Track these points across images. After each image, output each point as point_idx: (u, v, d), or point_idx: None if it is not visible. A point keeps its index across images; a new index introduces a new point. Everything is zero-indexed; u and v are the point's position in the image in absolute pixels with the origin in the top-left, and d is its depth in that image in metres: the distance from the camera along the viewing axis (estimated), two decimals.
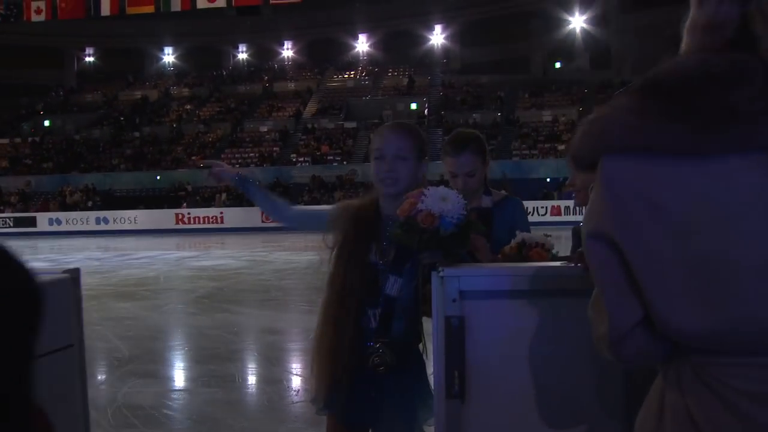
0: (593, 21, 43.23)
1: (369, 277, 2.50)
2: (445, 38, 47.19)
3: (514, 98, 39.60)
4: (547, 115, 36.85)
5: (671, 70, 1.30)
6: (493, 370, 2.05)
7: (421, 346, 2.64)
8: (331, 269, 2.56)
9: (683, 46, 1.42)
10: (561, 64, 46.05)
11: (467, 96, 40.15)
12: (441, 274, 2.04)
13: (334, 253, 2.57)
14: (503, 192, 3.20)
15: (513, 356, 2.05)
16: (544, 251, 2.42)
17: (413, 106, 39.32)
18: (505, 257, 2.47)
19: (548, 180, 31.23)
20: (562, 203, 27.49)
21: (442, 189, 2.16)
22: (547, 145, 34.21)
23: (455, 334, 2.03)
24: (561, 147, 33.54)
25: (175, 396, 5.72)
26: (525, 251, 2.43)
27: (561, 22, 44.40)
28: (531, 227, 3.03)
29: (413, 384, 2.57)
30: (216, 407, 5.29)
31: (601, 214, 1.32)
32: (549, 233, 2.56)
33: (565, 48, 45.46)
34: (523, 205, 3.20)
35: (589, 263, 1.36)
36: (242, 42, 48.83)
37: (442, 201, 2.12)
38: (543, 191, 29.23)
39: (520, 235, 2.50)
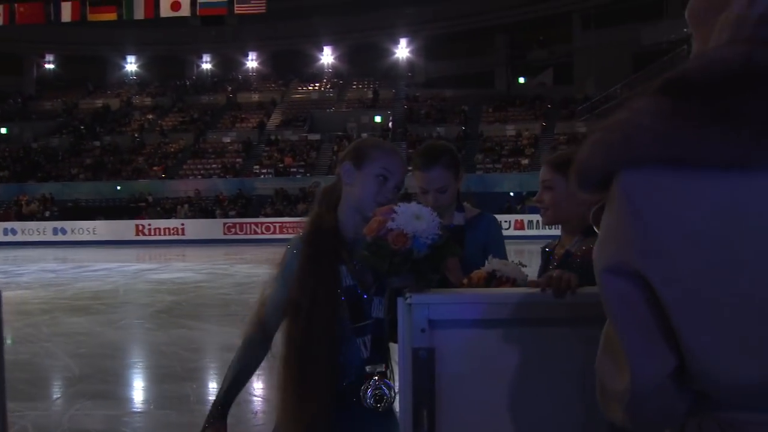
0: (558, 37, 43.62)
1: (352, 302, 2.26)
2: (410, 52, 47.22)
3: (477, 112, 39.74)
4: (510, 130, 37.02)
5: (704, 66, 1.06)
6: (465, 407, 1.88)
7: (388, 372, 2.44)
8: (293, 297, 2.24)
9: (698, 48, 1.20)
10: (525, 80, 46.38)
11: (431, 110, 40.19)
12: (408, 300, 1.86)
13: (294, 280, 2.26)
14: (476, 209, 3.02)
15: (488, 392, 1.88)
16: (513, 289, 2.25)
17: (377, 119, 39.24)
18: (471, 285, 2.29)
19: (511, 194, 31.32)
20: (525, 217, 27.56)
21: (414, 206, 1.95)
22: (510, 159, 34.35)
23: (424, 368, 1.85)
24: (524, 161, 33.73)
25: (126, 419, 5.46)
26: (494, 284, 2.26)
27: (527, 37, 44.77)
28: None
29: (383, 421, 2.34)
30: (170, 430, 5.06)
31: (623, 242, 1.08)
32: (524, 263, 2.39)
33: (530, 64, 45.84)
34: (498, 223, 3.02)
35: (606, 303, 1.12)
36: (206, 52, 48.33)
37: (416, 219, 1.91)
38: (506, 205, 29.28)
39: (491, 263, 2.32)
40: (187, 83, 46.62)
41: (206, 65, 49.01)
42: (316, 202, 2.40)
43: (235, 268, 18.35)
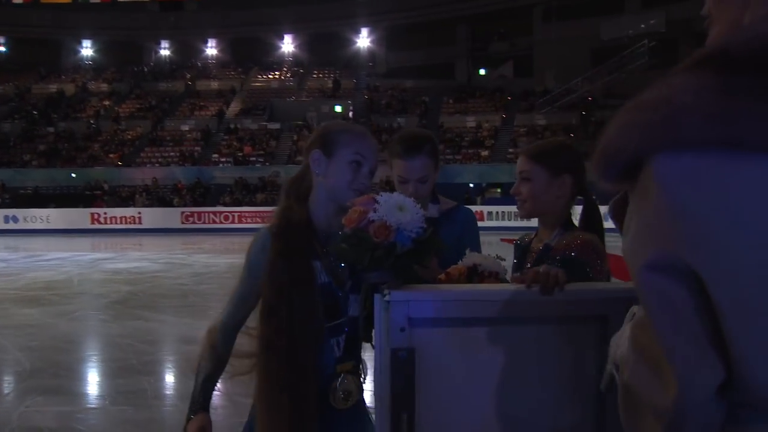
0: (519, 30, 43.78)
1: (327, 301, 2.12)
2: (371, 42, 46.99)
3: (438, 103, 39.72)
4: (470, 121, 37.07)
5: (750, 40, 0.93)
6: (447, 411, 1.77)
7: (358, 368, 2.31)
8: (266, 300, 2.08)
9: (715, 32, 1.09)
10: (485, 71, 46.48)
11: (392, 100, 40.08)
12: (386, 297, 1.74)
13: (265, 278, 2.09)
14: (452, 201, 2.90)
15: (471, 395, 1.77)
16: (497, 283, 2.14)
17: (338, 108, 38.99)
18: (449, 280, 2.17)
19: (471, 185, 31.40)
20: (485, 208, 27.60)
21: (397, 196, 1.81)
22: (470, 151, 34.40)
23: (403, 370, 1.73)
24: (484, 153, 33.83)
25: (80, 416, 5.25)
26: (476, 279, 2.14)
27: (488, 29, 44.87)
28: None
29: (357, 426, 2.22)
30: (126, 427, 4.88)
31: (667, 235, 0.95)
32: (502, 257, 2.28)
33: (490, 56, 45.95)
34: (474, 216, 2.90)
35: (647, 304, 0.98)
36: (164, 38, 47.45)
37: (399, 211, 1.76)
38: (465, 196, 29.32)
39: (470, 257, 2.20)
40: (145, 69, 45.76)
41: (164, 51, 48.18)
42: (284, 193, 2.25)
43: (193, 257, 18.05)
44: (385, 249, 1.74)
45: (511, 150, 34.07)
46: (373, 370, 2.67)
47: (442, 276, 2.17)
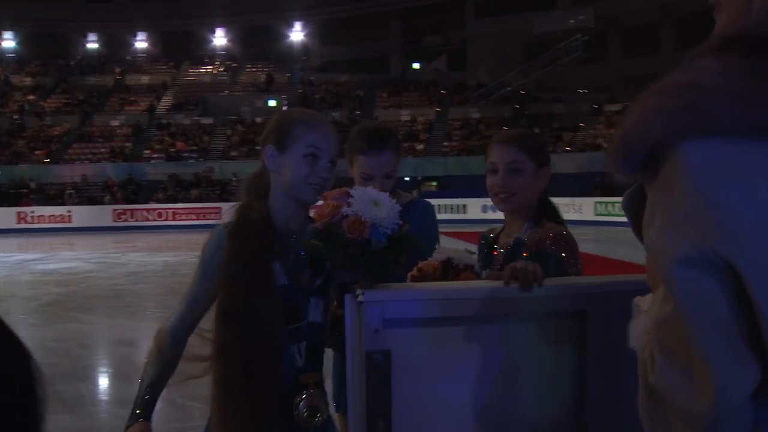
0: (452, 24, 44.09)
1: (287, 305, 2.00)
2: (304, 35, 46.65)
3: (372, 97, 39.69)
4: (405, 115, 37.14)
5: None
6: (425, 414, 1.69)
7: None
8: (222, 302, 1.97)
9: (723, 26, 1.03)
10: (419, 65, 46.65)
11: (326, 94, 39.87)
12: (360, 298, 1.65)
13: (221, 280, 1.98)
14: (411, 194, 2.83)
15: (450, 396, 1.70)
16: (474, 276, 2.07)
17: (272, 103, 38.57)
18: (423, 276, 2.08)
19: (406, 179, 31.46)
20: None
21: (371, 190, 1.71)
22: (405, 144, 34.42)
23: (379, 373, 1.64)
24: (419, 146, 33.94)
25: None
26: (451, 273, 2.06)
27: (421, 23, 45.06)
28: None
29: None
30: None
31: (700, 228, 0.88)
32: (472, 250, 2.22)
33: (424, 49, 46.16)
34: (432, 208, 2.83)
35: (680, 301, 0.91)
36: (91, 30, 46.13)
37: (374, 206, 1.66)
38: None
39: (442, 251, 2.13)
40: (72, 63, 44.42)
41: (92, 44, 46.86)
42: (244, 191, 2.14)
43: (127, 256, 17.61)
44: (359, 246, 1.65)
45: (445, 143, 34.28)
46: (332, 376, 2.58)
47: (414, 272, 2.09)
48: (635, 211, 1.06)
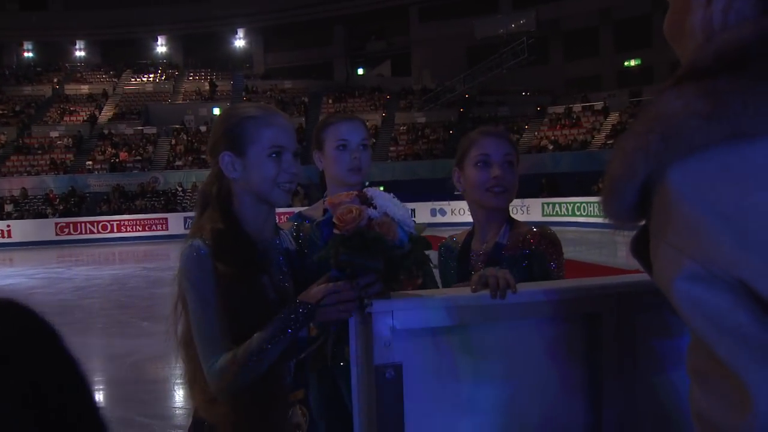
0: (396, 29, 44.24)
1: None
2: (247, 42, 46.29)
3: (317, 103, 39.55)
4: None
5: (715, 48, 0.96)
6: (438, 427, 1.64)
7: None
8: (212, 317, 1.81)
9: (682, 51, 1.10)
10: (363, 71, 46.69)
11: (271, 101, 39.57)
12: (368, 309, 1.59)
13: (218, 307, 1.81)
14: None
15: (463, 402, 1.65)
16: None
17: (216, 111, 38.12)
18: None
19: None
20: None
21: (376, 189, 1.63)
22: None
23: (391, 389, 1.57)
24: None
25: None
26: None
27: (365, 29, 45.11)
28: None
29: None
30: None
31: (699, 244, 0.90)
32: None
33: (368, 55, 46.23)
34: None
35: (689, 319, 0.92)
36: (27, 39, 45.00)
37: (392, 203, 1.57)
38: None
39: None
40: (7, 72, 43.19)
41: (28, 53, 45.66)
42: (200, 207, 1.97)
43: (72, 270, 17.16)
44: (399, 248, 1.55)
45: (392, 148, 34.31)
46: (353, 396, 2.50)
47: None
48: (643, 254, 1.07)
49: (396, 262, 1.57)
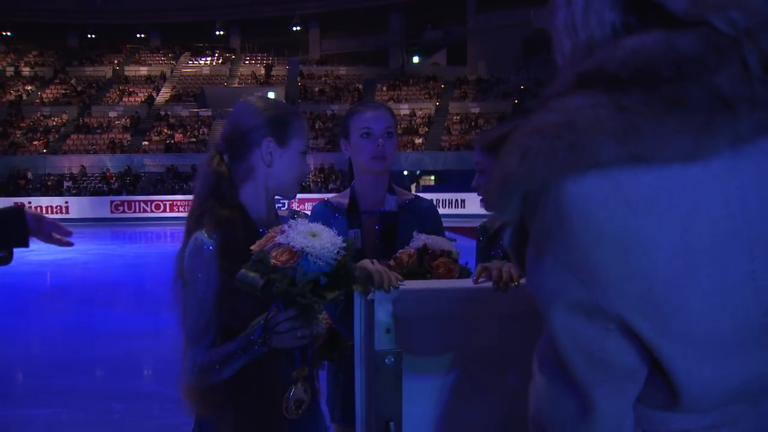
0: (452, 18, 43.99)
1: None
2: (303, 28, 46.56)
3: (372, 90, 39.59)
4: (404, 108, 37.06)
5: (626, 57, 0.95)
6: (437, 420, 1.63)
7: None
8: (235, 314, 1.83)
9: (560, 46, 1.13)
10: (419, 59, 46.57)
11: (325, 87, 39.78)
12: (370, 297, 1.59)
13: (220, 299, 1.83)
14: (409, 192, 2.73)
15: (463, 395, 1.64)
16: (452, 262, 1.98)
17: (271, 95, 38.46)
18: (400, 266, 1.98)
19: (405, 173, 31.42)
20: (422, 195, 27.66)
21: (315, 225, 1.67)
22: (404, 138, 34.40)
23: (391, 374, 1.58)
24: (418, 140, 33.88)
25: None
26: (427, 260, 1.98)
27: (422, 17, 44.97)
28: None
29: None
30: None
31: (583, 271, 0.93)
32: (453, 238, 2.14)
33: (424, 43, 46.09)
34: (435, 208, 2.71)
35: (558, 339, 0.98)
36: (90, 20, 45.88)
37: (311, 237, 1.62)
38: (399, 184, 29.34)
39: (419, 238, 2.05)
40: (70, 53, 44.16)
41: (91, 35, 46.58)
42: (205, 188, 1.92)
43: (124, 248, 17.55)
44: (281, 272, 1.59)
45: (444, 138, 34.20)
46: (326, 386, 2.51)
47: (392, 261, 2.00)
48: (518, 248, 1.09)
49: (273, 285, 1.60)
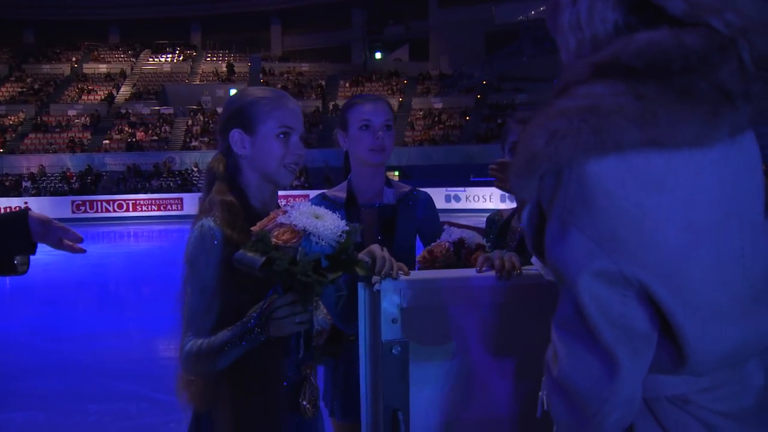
0: (414, 14, 44.03)
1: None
2: (265, 25, 46.23)
3: (335, 87, 39.52)
4: None
5: (640, 50, 1.06)
6: (443, 409, 1.65)
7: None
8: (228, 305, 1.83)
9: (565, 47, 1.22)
10: (381, 55, 46.56)
11: (288, 83, 39.59)
12: (376, 286, 1.61)
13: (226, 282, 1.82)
14: (405, 185, 2.74)
15: (470, 385, 1.66)
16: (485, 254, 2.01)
17: (233, 92, 37.87)
18: (434, 260, 2.00)
19: None
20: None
21: (317, 208, 1.67)
22: None
23: (397, 365, 1.59)
24: None
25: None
26: (464, 254, 1.99)
27: (384, 13, 44.93)
28: None
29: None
30: None
31: (610, 242, 1.04)
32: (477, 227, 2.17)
33: (386, 39, 46.07)
34: (433, 202, 2.73)
35: (585, 307, 1.06)
36: (47, 17, 45.00)
37: (313, 218, 1.62)
38: None
39: (451, 232, 2.06)
40: (26, 51, 43.27)
41: (47, 32, 45.66)
42: (210, 180, 1.99)
43: (87, 248, 17.20)
44: (282, 251, 1.59)
45: (408, 133, 34.25)
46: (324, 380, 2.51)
47: (425, 254, 2.02)
48: (536, 227, 1.20)
49: (273, 263, 1.58)
